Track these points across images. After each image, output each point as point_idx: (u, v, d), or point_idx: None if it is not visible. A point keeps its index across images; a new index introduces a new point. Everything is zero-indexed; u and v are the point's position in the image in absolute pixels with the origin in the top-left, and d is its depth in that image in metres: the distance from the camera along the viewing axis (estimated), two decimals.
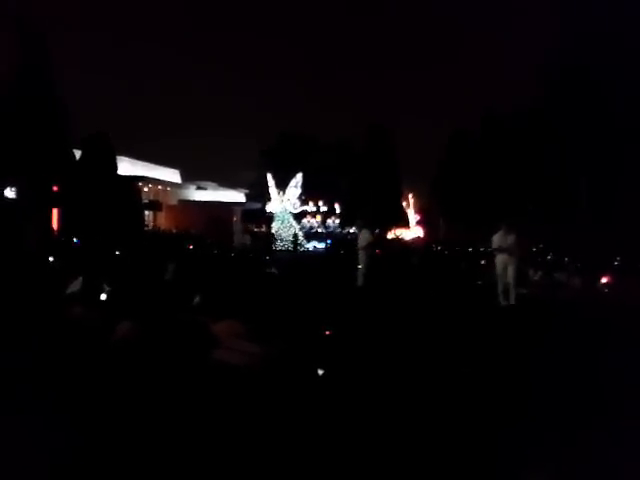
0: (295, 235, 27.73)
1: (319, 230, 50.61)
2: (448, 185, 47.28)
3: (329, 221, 55.85)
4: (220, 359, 4.95)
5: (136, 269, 13.05)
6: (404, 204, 63.78)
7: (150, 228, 42.22)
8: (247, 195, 58.16)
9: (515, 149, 38.79)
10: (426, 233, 56.57)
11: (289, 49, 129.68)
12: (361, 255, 14.85)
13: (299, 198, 28.15)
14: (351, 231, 49.13)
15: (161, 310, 7.53)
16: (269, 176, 28.23)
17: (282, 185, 27.79)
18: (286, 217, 27.60)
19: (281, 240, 27.03)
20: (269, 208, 29.96)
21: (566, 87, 34.89)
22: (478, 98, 68.97)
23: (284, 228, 27.20)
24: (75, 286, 9.72)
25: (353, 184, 55.94)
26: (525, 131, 38.01)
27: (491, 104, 43.70)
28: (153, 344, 5.29)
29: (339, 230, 51.52)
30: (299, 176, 27.82)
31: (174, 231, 38.24)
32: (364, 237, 15.30)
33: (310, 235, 34.46)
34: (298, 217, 28.86)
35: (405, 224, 60.06)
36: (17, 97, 33.33)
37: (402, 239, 51.46)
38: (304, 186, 28.78)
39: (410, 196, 65.23)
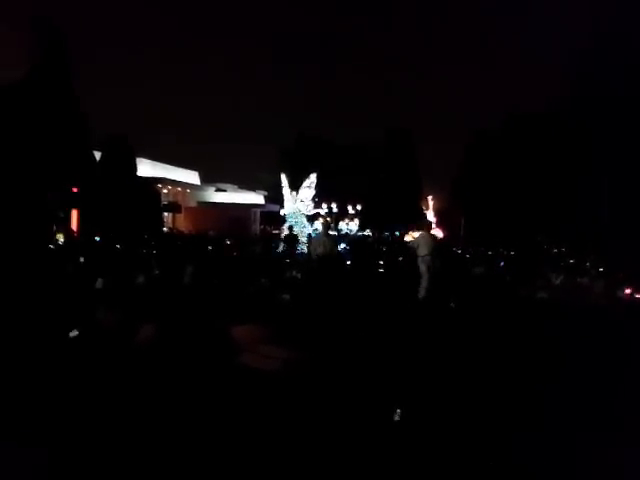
0: (309, 237, 27.41)
1: (331, 233, 49.48)
2: (471, 186, 46.91)
3: (342, 224, 55.19)
4: (244, 363, 4.90)
5: (156, 271, 13.03)
6: (423, 206, 63.33)
7: (168, 230, 42.36)
8: (266, 197, 58.12)
9: (538, 149, 38.46)
10: (446, 235, 56.06)
11: (306, 53, 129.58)
12: (423, 264, 12.67)
13: (313, 200, 27.53)
14: (365, 233, 49.04)
15: (182, 313, 7.51)
16: (283, 176, 27.78)
17: (297, 186, 27.29)
18: (299, 219, 27.12)
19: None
20: (283, 210, 29.49)
21: (589, 90, 34.54)
22: (497, 100, 68.52)
23: (297, 230, 26.69)
24: (97, 287, 9.78)
25: (373, 186, 55.61)
26: (548, 132, 37.68)
27: (512, 105, 43.40)
28: (177, 347, 5.27)
29: (353, 232, 51.16)
30: (313, 176, 27.00)
31: (186, 232, 38.02)
32: (425, 242, 12.93)
33: None
34: (311, 220, 28.28)
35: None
36: (37, 99, 33.69)
37: None
38: (319, 188, 28.12)
39: (430, 198, 64.72)
